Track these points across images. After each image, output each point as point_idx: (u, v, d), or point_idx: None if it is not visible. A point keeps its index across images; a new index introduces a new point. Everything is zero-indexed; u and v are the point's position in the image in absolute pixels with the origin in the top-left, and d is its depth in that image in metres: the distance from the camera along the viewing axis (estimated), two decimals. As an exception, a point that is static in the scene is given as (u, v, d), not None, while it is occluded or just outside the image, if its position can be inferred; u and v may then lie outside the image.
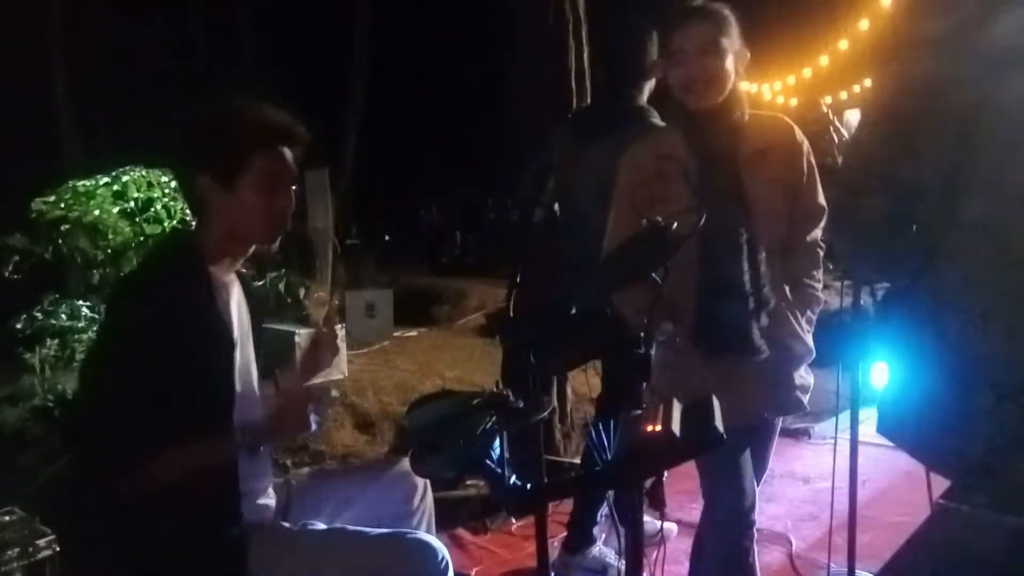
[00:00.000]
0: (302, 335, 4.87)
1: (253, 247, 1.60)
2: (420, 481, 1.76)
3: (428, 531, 1.78)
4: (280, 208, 1.53)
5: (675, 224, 1.24)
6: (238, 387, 1.55)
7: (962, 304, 1.23)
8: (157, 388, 1.37)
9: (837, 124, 1.93)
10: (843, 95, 7.32)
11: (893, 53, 1.38)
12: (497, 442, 1.22)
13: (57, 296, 4.39)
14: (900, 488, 3.10)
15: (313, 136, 1.60)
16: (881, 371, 1.65)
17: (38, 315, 4.24)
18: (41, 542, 1.79)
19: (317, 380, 1.88)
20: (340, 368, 5.05)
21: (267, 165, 1.50)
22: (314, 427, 1.51)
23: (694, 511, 3.16)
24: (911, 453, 1.44)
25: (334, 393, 1.75)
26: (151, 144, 1.63)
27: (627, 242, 1.37)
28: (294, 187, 1.56)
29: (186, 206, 4.68)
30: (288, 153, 1.54)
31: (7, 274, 4.47)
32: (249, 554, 1.47)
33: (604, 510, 2.66)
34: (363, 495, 1.76)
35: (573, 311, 1.37)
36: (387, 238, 13.88)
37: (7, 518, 1.87)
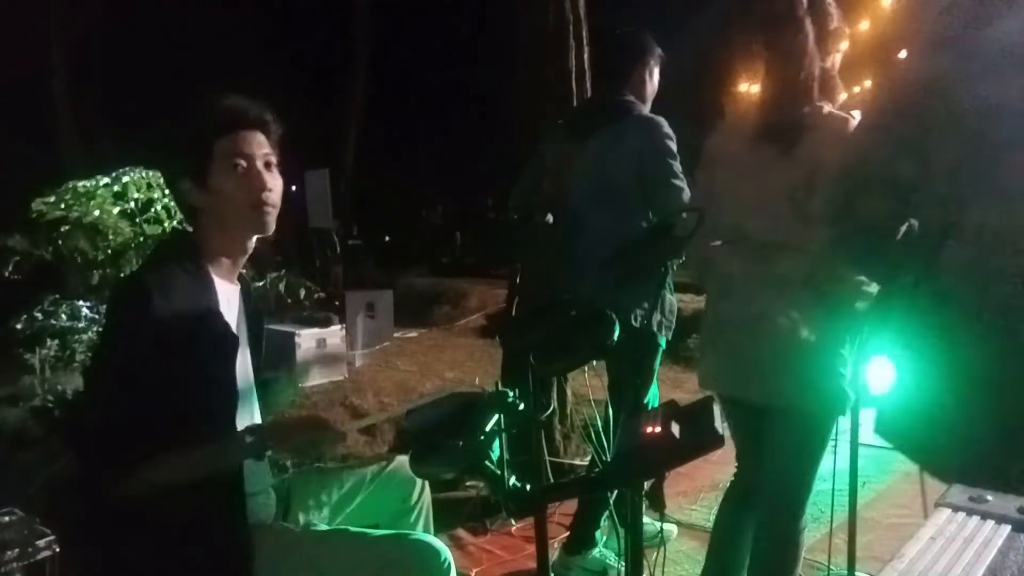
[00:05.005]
0: (302, 336, 4.88)
1: (252, 244, 1.59)
2: (418, 479, 1.76)
3: (426, 529, 1.78)
4: (254, 189, 1.50)
5: (676, 224, 1.24)
6: (238, 385, 1.54)
7: (967, 303, 1.23)
8: (157, 389, 1.36)
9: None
10: (843, 96, 7.33)
11: (893, 52, 1.38)
12: (497, 443, 1.22)
13: (57, 296, 4.40)
14: (900, 489, 3.10)
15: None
16: (877, 369, 1.64)
17: (38, 315, 4.24)
18: (41, 542, 1.79)
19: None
20: (340, 369, 5.06)
21: (228, 150, 1.49)
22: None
23: (694, 512, 3.17)
24: (908, 453, 1.44)
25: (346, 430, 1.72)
26: (149, 164, 1.67)
27: (632, 240, 1.38)
28: (269, 168, 1.54)
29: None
30: (249, 135, 1.52)
31: (7, 274, 4.48)
32: (253, 555, 1.47)
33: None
34: (361, 494, 1.77)
35: (573, 312, 1.36)
36: (387, 238, 13.89)
37: (7, 518, 1.87)
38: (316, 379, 4.87)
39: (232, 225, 1.54)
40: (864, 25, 6.14)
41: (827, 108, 1.79)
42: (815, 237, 1.76)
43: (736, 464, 2.12)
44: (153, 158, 1.58)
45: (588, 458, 3.06)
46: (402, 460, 1.79)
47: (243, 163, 1.49)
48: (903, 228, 1.36)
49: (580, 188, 2.56)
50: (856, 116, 1.75)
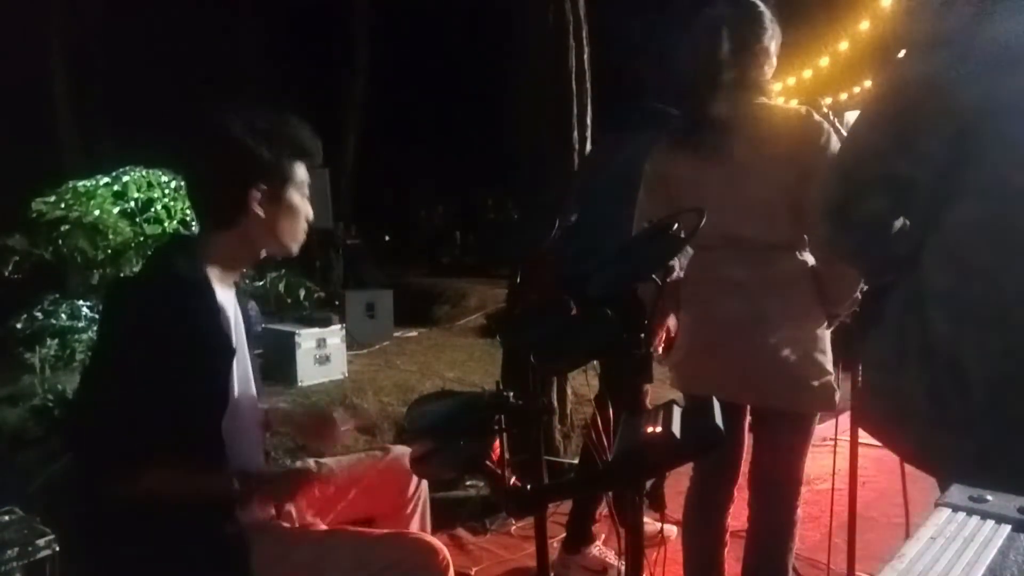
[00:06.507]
0: (302, 335, 4.89)
1: (263, 256, 1.63)
2: None
3: (423, 520, 1.80)
4: (308, 215, 1.63)
5: (676, 224, 1.24)
6: (238, 394, 1.55)
7: (953, 302, 1.22)
8: (154, 391, 1.37)
9: (837, 125, 1.92)
10: (843, 96, 7.33)
11: (893, 52, 1.38)
12: (497, 443, 1.22)
13: (57, 296, 4.40)
14: (900, 489, 3.09)
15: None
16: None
17: (38, 315, 4.25)
18: (41, 542, 1.80)
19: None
20: (340, 368, 5.07)
21: (303, 174, 1.60)
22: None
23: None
24: (894, 449, 1.44)
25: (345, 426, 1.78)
26: (193, 159, 1.63)
27: (632, 240, 1.38)
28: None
29: (187, 206, 4.73)
30: (308, 167, 1.64)
31: (7, 274, 4.48)
32: (250, 554, 1.47)
33: (603, 509, 2.66)
34: (358, 486, 1.78)
35: (573, 311, 1.36)
36: (387, 238, 13.90)
37: (7, 518, 1.87)
38: (316, 378, 4.88)
39: (276, 240, 1.59)
40: (864, 25, 6.15)
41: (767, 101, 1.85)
42: (812, 235, 1.77)
43: (693, 469, 2.10)
44: (229, 161, 1.52)
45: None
46: (398, 452, 1.80)
47: (307, 190, 1.62)
48: (897, 225, 1.36)
49: (609, 189, 2.55)
50: (812, 112, 1.80)
